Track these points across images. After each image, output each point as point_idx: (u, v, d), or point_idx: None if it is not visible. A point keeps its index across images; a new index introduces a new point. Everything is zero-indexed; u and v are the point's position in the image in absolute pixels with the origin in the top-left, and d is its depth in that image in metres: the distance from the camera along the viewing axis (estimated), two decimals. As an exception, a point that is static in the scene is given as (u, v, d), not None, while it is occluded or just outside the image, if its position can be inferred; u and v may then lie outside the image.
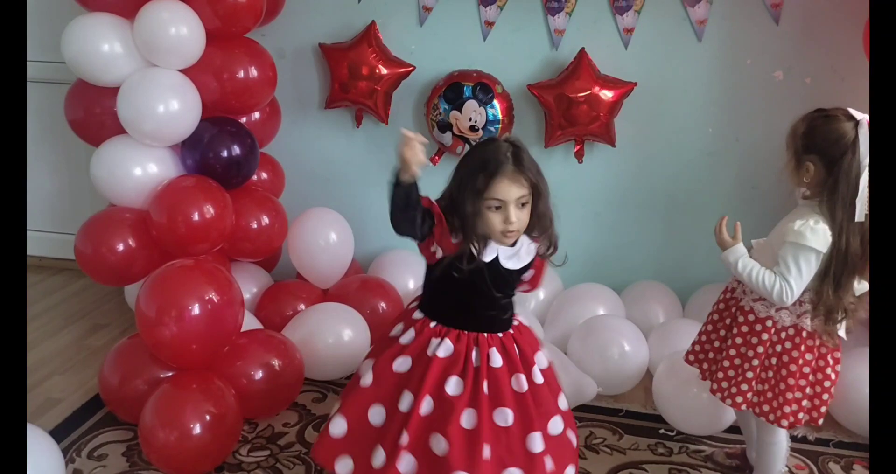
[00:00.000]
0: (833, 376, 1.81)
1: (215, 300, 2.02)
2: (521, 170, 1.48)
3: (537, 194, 1.53)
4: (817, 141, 1.70)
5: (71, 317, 2.97)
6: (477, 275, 1.55)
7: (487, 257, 1.55)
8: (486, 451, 1.52)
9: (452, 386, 1.55)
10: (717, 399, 1.95)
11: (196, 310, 1.98)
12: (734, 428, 2.19)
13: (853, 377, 2.20)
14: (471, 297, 1.59)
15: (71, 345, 2.76)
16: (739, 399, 1.83)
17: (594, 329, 2.46)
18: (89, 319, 2.96)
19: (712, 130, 2.76)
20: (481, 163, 1.50)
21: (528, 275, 1.67)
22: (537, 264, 1.67)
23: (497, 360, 1.58)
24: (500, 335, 1.62)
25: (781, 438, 1.91)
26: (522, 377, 1.59)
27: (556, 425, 1.63)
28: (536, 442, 1.56)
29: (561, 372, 2.05)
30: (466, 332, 1.59)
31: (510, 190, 1.47)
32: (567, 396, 1.93)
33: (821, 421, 1.86)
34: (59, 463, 1.85)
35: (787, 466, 2.07)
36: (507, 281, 1.61)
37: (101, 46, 2.27)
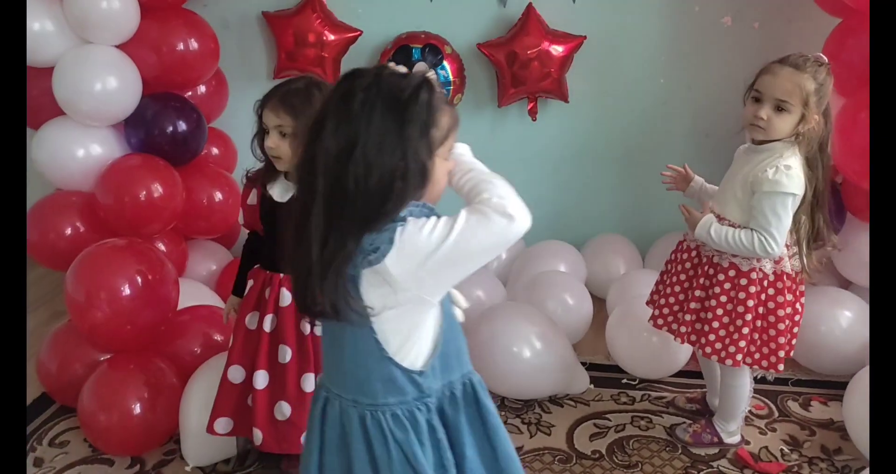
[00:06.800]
0: (800, 309, 1.81)
1: (146, 279, 1.98)
2: (280, 103, 1.58)
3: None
4: (826, 96, 1.69)
5: (29, 307, 2.89)
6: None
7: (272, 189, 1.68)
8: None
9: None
10: (667, 342, 2.03)
11: (127, 290, 1.94)
12: (692, 374, 2.22)
13: (810, 317, 2.23)
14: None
15: (31, 333, 2.69)
16: (739, 356, 1.76)
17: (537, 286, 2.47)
18: (49, 308, 2.90)
19: (664, 80, 2.75)
20: None
21: None
22: None
23: (286, 299, 1.65)
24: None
25: (747, 380, 1.90)
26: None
27: None
28: (309, 382, 1.66)
29: (557, 358, 2.12)
30: (267, 271, 1.72)
31: (270, 116, 1.59)
32: (557, 383, 2.07)
33: (792, 353, 1.85)
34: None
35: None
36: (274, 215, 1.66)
37: (31, 25, 2.20)
